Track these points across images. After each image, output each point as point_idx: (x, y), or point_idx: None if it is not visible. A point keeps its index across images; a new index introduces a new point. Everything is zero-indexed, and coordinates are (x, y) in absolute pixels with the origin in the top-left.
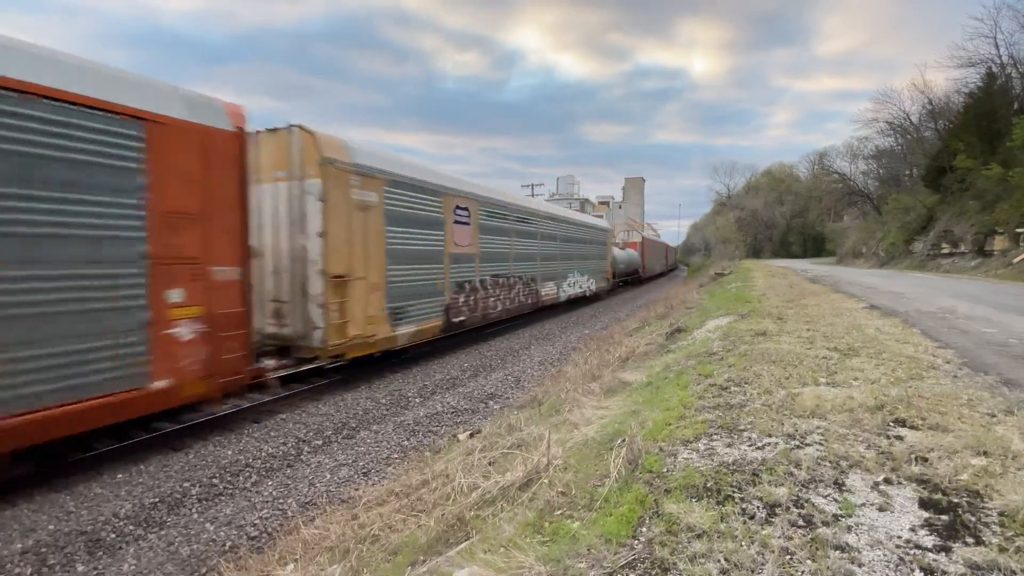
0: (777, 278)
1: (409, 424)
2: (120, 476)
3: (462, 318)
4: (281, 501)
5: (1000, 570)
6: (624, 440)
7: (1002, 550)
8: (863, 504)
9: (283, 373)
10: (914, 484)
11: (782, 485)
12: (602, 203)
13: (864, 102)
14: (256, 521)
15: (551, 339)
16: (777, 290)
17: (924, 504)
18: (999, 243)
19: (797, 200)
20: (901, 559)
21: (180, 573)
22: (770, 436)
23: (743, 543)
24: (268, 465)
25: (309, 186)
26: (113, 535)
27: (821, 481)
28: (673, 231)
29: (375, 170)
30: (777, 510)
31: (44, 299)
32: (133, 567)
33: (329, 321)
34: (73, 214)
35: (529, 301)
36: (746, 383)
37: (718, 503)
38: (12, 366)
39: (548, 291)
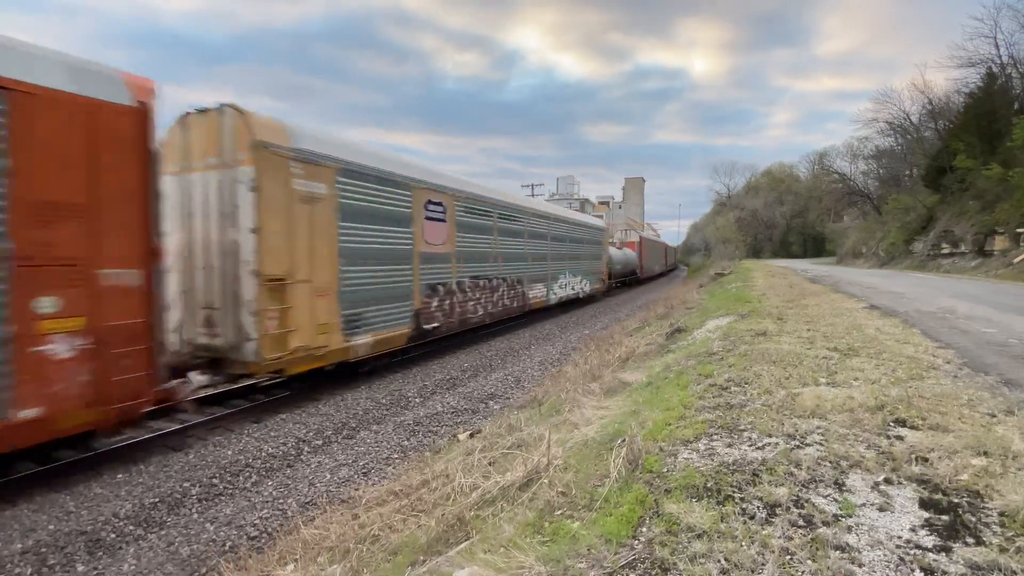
0: (777, 278)
1: (409, 424)
2: (120, 476)
3: (435, 324)
4: (281, 501)
5: (1000, 570)
6: (624, 440)
7: (1002, 550)
8: (863, 504)
9: (204, 394)
10: (914, 484)
11: (782, 485)
12: (602, 203)
13: (864, 102)
14: (256, 521)
15: (551, 339)
16: (777, 290)
17: (924, 504)
18: (999, 243)
19: (797, 200)
20: (901, 559)
21: (180, 573)
22: (770, 436)
23: (743, 543)
24: (268, 465)
25: (241, 174)
26: (113, 535)
27: (821, 481)
28: (673, 231)
29: (323, 157)
30: (777, 510)
31: None
32: (133, 567)
33: (265, 331)
34: None
35: (515, 304)
36: (746, 383)
37: (718, 503)
38: None
39: (536, 293)
